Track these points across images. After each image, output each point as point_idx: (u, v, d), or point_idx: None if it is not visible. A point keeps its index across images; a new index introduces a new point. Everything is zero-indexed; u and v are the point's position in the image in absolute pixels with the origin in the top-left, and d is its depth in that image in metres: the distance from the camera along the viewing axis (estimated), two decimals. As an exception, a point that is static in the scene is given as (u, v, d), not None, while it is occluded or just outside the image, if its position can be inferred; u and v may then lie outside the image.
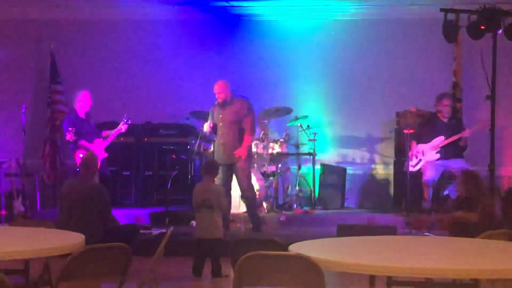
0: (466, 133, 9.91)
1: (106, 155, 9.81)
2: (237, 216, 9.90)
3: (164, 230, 8.92)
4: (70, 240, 4.81)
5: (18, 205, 10.42)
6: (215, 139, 9.49)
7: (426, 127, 10.24)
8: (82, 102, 9.81)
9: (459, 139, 9.95)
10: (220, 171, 9.32)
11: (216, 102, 9.46)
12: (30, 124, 11.25)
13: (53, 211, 10.08)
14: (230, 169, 9.41)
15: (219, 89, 9.38)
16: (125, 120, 9.88)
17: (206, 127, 9.44)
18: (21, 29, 11.95)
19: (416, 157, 10.05)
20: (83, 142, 9.55)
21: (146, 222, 10.05)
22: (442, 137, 9.96)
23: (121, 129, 9.88)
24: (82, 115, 9.83)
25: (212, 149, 9.72)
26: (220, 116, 9.44)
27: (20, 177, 10.78)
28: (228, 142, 9.38)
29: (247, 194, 9.44)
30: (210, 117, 9.52)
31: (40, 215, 10.35)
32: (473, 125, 10.05)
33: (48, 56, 11.63)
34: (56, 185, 11.13)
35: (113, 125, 10.51)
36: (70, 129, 9.40)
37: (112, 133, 9.89)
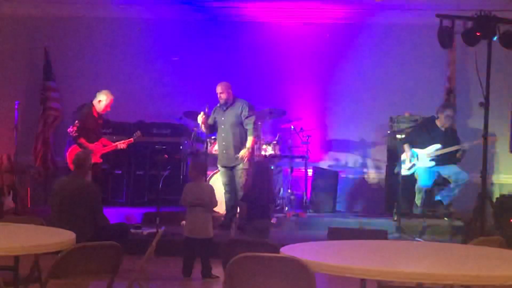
0: (465, 147, 9.84)
1: (100, 160, 9.74)
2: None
3: (154, 230, 8.90)
4: (61, 237, 4.78)
5: (9, 202, 10.37)
6: (207, 139, 9.47)
7: (423, 131, 10.20)
8: (102, 104, 9.72)
9: (457, 150, 9.90)
10: (221, 174, 9.39)
11: (218, 104, 9.48)
12: (23, 121, 11.20)
13: (43, 208, 10.04)
14: (232, 171, 9.45)
15: (222, 89, 9.42)
16: (133, 137, 9.84)
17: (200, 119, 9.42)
18: (15, 25, 11.90)
19: (410, 161, 10.02)
20: (82, 140, 9.46)
21: (137, 222, 10.01)
22: (439, 145, 9.93)
23: (122, 146, 9.83)
24: (95, 113, 9.74)
25: (205, 149, 9.71)
26: (222, 118, 9.48)
27: (12, 174, 10.73)
28: (229, 145, 9.41)
29: (241, 194, 9.46)
30: (211, 118, 9.53)
31: (30, 212, 10.31)
32: (471, 137, 9.95)
33: (42, 53, 11.59)
34: (47, 182, 11.08)
35: (106, 123, 10.48)
36: (76, 122, 9.28)
37: (112, 146, 9.82)
